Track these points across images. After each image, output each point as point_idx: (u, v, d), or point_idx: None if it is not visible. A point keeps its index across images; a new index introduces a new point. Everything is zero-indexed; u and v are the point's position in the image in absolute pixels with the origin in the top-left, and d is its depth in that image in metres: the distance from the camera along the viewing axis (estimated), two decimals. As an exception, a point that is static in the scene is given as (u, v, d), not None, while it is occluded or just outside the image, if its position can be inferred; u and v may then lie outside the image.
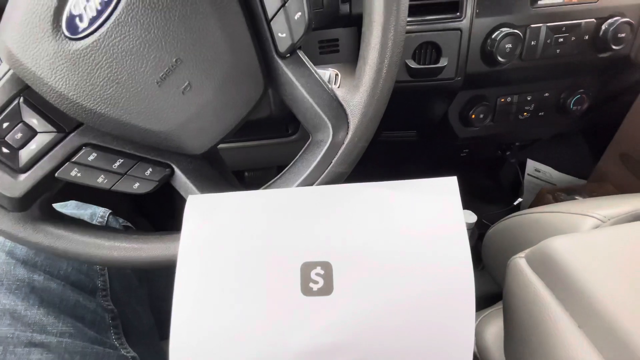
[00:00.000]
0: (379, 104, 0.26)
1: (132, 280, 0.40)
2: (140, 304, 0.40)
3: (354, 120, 0.26)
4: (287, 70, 0.25)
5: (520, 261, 0.30)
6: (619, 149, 0.74)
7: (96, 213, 0.41)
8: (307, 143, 0.28)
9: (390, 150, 0.73)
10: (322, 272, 0.23)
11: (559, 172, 0.96)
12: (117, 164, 0.26)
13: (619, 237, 0.27)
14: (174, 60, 0.23)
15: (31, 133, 0.24)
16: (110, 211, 0.42)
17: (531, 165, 0.96)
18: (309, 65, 0.26)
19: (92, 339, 0.31)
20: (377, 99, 0.25)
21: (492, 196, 0.93)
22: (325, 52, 0.50)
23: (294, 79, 0.25)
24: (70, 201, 0.42)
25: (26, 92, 0.24)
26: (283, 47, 0.25)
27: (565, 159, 0.95)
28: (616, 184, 0.79)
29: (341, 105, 0.26)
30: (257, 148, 0.59)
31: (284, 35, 0.24)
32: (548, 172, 0.97)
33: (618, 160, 0.76)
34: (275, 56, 0.25)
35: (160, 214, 0.82)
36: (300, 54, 0.26)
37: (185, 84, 0.23)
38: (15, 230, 0.26)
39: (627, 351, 0.22)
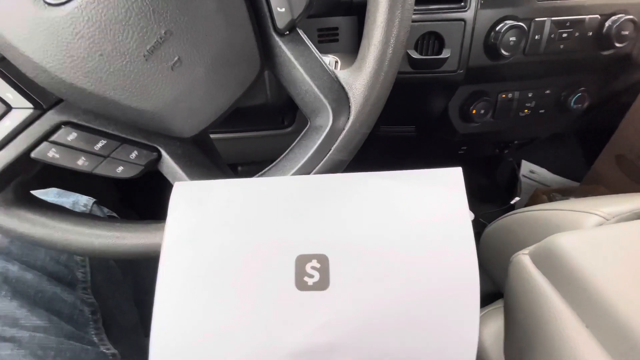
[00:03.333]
0: (383, 87, 0.24)
1: (116, 273, 0.38)
2: (124, 298, 0.38)
3: (356, 104, 0.24)
4: (285, 49, 0.24)
5: (524, 258, 0.29)
6: (615, 150, 0.74)
7: (79, 201, 0.38)
8: (305, 129, 0.26)
9: (388, 146, 0.72)
10: (318, 265, 0.22)
11: (552, 174, 0.96)
12: (100, 145, 0.24)
13: (626, 234, 0.27)
14: (163, 32, 0.21)
15: (5, 108, 0.22)
16: (94, 200, 0.40)
17: (526, 166, 0.96)
18: (309, 44, 0.24)
19: (68, 334, 0.29)
20: (381, 82, 0.24)
21: (488, 195, 0.93)
22: (325, 40, 0.49)
23: (292, 58, 0.24)
24: (52, 189, 0.40)
25: (1, 64, 0.22)
26: (282, 23, 0.23)
27: (559, 161, 0.96)
28: (610, 186, 0.79)
29: (342, 87, 0.24)
30: (251, 140, 0.57)
31: (283, 10, 0.23)
32: (542, 173, 0.98)
33: (613, 162, 0.76)
34: (273, 33, 0.24)
35: (147, 204, 0.79)
36: (300, 32, 0.24)
37: (175, 59, 0.21)
38: None
39: (636, 351, 0.21)
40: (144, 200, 0.82)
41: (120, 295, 0.37)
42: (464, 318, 0.21)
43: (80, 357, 0.29)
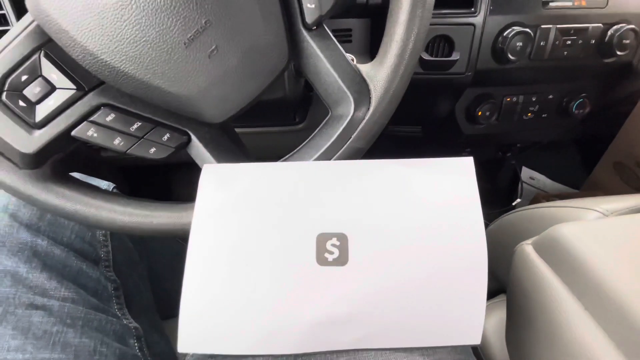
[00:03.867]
0: (402, 80, 0.26)
1: (134, 255, 0.40)
2: (140, 279, 0.39)
3: (376, 95, 0.26)
4: (312, 43, 0.25)
5: (527, 247, 0.31)
6: (613, 157, 0.76)
7: (100, 185, 0.40)
8: (327, 118, 0.28)
9: (393, 146, 0.74)
10: (337, 243, 0.23)
11: (552, 181, 0.98)
12: (135, 126, 0.26)
13: (626, 226, 0.28)
14: (204, 21, 0.22)
15: (49, 88, 0.24)
16: (114, 185, 0.41)
17: (526, 172, 0.98)
18: (333, 39, 0.26)
19: (94, 306, 0.31)
20: (400, 76, 0.26)
21: (489, 197, 0.95)
22: (338, 41, 0.50)
23: (319, 52, 0.25)
24: (75, 173, 0.41)
25: (48, 45, 0.23)
26: (311, 18, 0.25)
27: (559, 169, 0.97)
28: (608, 193, 0.81)
29: (364, 80, 0.26)
30: (261, 135, 0.59)
31: (313, 6, 0.24)
32: (542, 180, 0.99)
33: (612, 169, 0.78)
34: (302, 28, 0.25)
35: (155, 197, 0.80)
36: (326, 27, 0.26)
37: (212, 48, 0.23)
38: (25, 187, 0.26)
39: (633, 331, 0.22)
40: (150, 194, 0.84)
41: (138, 276, 0.39)
42: (472, 296, 0.22)
43: (106, 328, 0.30)
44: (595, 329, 0.24)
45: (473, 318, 0.22)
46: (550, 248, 0.29)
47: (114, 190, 0.40)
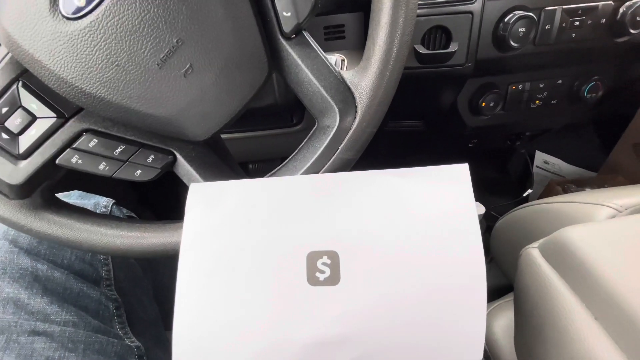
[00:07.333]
0: (389, 86, 0.24)
1: (136, 271, 0.40)
2: (144, 294, 0.40)
3: (362, 104, 0.25)
4: (292, 52, 0.24)
5: (533, 251, 0.29)
6: (632, 139, 0.72)
7: (100, 203, 0.40)
8: (313, 129, 0.27)
9: (397, 141, 0.72)
10: (328, 261, 0.22)
11: (568, 164, 0.94)
12: (119, 150, 0.25)
13: (637, 227, 0.26)
14: (175, 40, 0.22)
15: (30, 118, 0.24)
16: (113, 201, 0.42)
17: (540, 157, 0.94)
18: (315, 47, 0.25)
19: (95, 328, 0.31)
20: (386, 81, 0.24)
21: (500, 188, 0.92)
22: (331, 38, 0.49)
23: (299, 61, 0.24)
24: (74, 191, 0.42)
25: (25, 76, 0.23)
26: (288, 27, 0.24)
27: (575, 151, 0.93)
28: (628, 176, 0.77)
29: (349, 88, 0.25)
30: (261, 139, 0.58)
31: (289, 14, 0.23)
32: (557, 164, 0.95)
33: (630, 151, 0.74)
34: (280, 37, 0.24)
35: (164, 204, 0.81)
36: (306, 35, 0.25)
37: (187, 66, 0.22)
38: (17, 218, 0.26)
39: (647, 344, 0.21)
40: (160, 200, 0.85)
41: (141, 291, 0.39)
42: (472, 311, 0.21)
43: (107, 350, 0.30)
44: (605, 340, 0.23)
45: (473, 333, 0.21)
46: (557, 252, 0.27)
47: (113, 207, 0.40)
